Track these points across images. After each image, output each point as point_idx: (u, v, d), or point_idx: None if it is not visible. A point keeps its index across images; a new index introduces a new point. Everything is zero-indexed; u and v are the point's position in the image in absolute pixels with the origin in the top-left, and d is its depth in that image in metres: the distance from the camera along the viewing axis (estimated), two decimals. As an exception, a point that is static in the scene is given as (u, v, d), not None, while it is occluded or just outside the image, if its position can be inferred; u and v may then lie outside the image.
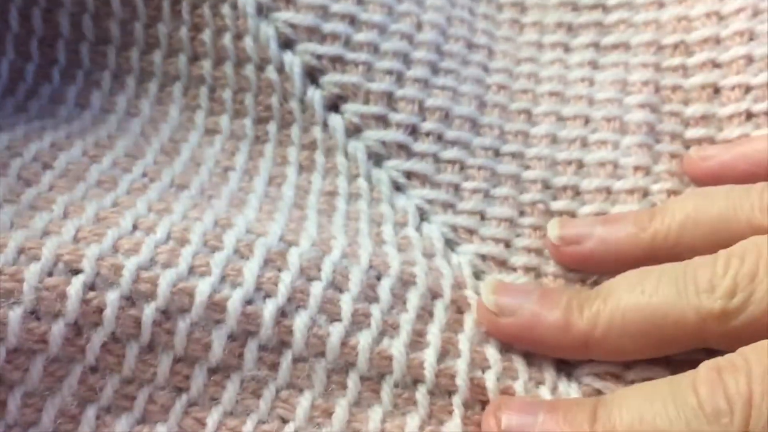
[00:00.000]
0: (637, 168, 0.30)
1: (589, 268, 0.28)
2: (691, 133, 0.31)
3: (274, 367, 0.24)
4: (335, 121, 0.30)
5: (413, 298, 0.26)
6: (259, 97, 0.31)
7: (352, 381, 0.24)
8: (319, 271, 0.25)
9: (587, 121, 0.32)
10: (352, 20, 0.31)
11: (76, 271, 0.23)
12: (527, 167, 0.31)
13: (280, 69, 0.30)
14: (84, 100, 0.31)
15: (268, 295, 0.24)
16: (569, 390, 0.26)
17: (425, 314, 0.26)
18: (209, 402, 0.23)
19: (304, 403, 0.24)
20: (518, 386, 0.25)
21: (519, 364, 0.26)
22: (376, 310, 0.25)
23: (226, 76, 0.31)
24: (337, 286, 0.25)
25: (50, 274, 0.23)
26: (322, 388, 0.24)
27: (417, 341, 0.25)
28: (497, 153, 0.31)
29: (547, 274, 0.29)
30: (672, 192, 0.30)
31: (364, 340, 0.24)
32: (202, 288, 0.23)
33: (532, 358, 0.26)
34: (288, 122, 0.31)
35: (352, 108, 0.30)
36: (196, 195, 0.28)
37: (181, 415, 0.23)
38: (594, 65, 0.34)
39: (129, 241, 0.24)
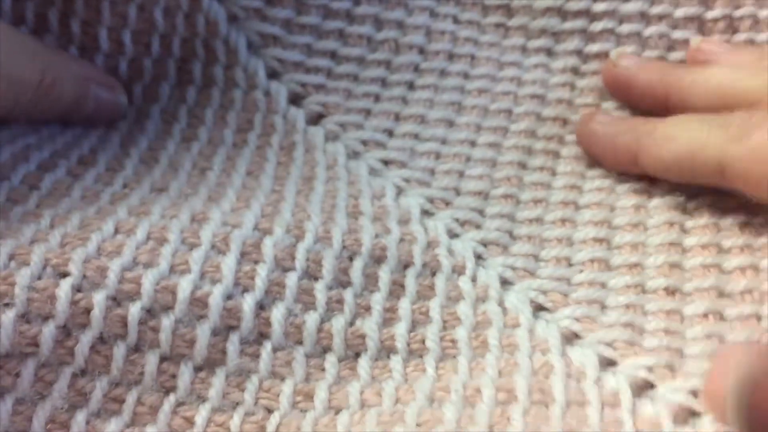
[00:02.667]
0: None
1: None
2: None
3: (256, 358, 0.24)
4: (315, 132, 0.33)
5: (384, 275, 0.27)
6: (242, 114, 0.33)
7: (330, 363, 0.25)
8: (293, 261, 0.26)
9: (565, 122, 0.34)
10: (334, 54, 0.35)
11: (64, 274, 0.23)
12: (503, 154, 0.33)
13: (267, 93, 0.34)
14: None
15: (246, 290, 0.25)
16: (547, 333, 0.26)
17: (396, 288, 0.27)
18: (196, 400, 0.24)
19: (286, 390, 0.24)
20: (492, 333, 0.26)
21: (493, 314, 0.26)
22: (349, 295, 0.26)
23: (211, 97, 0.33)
24: (311, 274, 0.26)
25: (39, 278, 0.23)
26: (303, 374, 0.24)
27: (389, 318, 0.26)
28: (473, 144, 0.33)
29: (521, 237, 0.29)
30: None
31: (338, 324, 0.25)
32: (184, 285, 0.24)
33: (505, 305, 0.27)
34: (269, 133, 0.33)
35: (332, 119, 0.33)
36: (174, 195, 0.29)
37: (169, 415, 0.23)
38: (576, 71, 0.36)
39: (112, 244, 0.25)
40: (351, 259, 0.27)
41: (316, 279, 0.26)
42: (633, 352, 0.25)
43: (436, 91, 0.35)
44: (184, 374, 0.24)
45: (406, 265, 0.28)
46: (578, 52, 0.36)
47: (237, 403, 0.24)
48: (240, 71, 0.34)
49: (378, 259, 0.27)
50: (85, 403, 0.23)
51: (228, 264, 0.25)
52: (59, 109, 0.31)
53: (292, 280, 0.25)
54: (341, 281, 0.26)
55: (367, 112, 0.34)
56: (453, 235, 0.29)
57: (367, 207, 0.29)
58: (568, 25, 0.37)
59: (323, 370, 0.25)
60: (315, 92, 0.34)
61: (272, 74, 0.34)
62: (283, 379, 0.24)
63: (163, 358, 0.24)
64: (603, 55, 0.36)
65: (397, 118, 0.34)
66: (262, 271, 0.25)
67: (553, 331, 0.26)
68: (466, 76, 0.36)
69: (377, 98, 0.34)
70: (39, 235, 0.25)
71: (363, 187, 0.31)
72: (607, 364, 0.25)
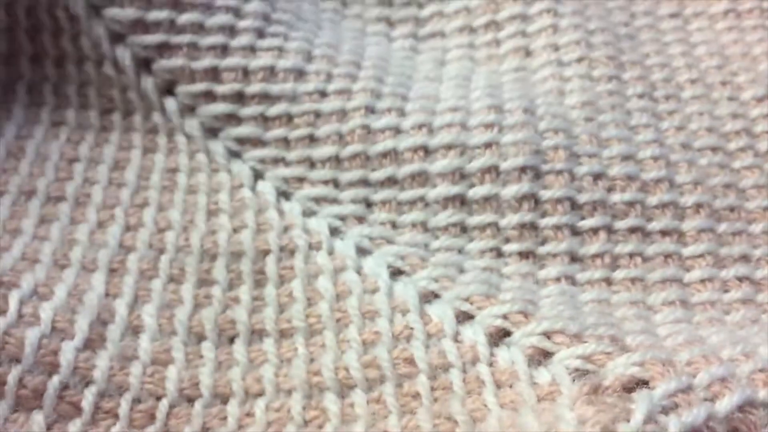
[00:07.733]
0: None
1: None
2: None
3: (135, 350, 0.27)
4: (169, 104, 0.34)
5: (245, 268, 0.30)
6: (102, 90, 0.34)
7: (207, 349, 0.27)
8: (157, 270, 0.29)
9: (404, 98, 0.34)
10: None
11: None
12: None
13: (116, 64, 0.34)
14: None
15: (116, 296, 0.28)
16: (405, 294, 0.28)
17: (261, 277, 0.30)
18: (80, 382, 0.26)
19: (170, 376, 0.26)
20: (351, 302, 0.28)
21: (352, 282, 0.29)
22: (217, 291, 0.29)
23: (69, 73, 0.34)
24: (176, 280, 0.29)
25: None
26: (183, 360, 0.27)
27: (258, 305, 0.29)
28: (318, 114, 0.33)
29: (376, 203, 0.31)
30: None
31: (207, 313, 0.28)
32: (59, 294, 0.27)
33: (364, 271, 0.29)
34: (131, 111, 0.34)
35: (183, 89, 0.33)
36: (43, 200, 0.31)
37: (55, 399, 0.25)
38: (414, 50, 0.38)
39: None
40: (212, 260, 0.30)
41: (181, 283, 0.29)
42: (489, 303, 0.26)
43: None
44: (67, 353, 0.26)
45: (265, 253, 0.30)
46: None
47: (123, 388, 0.26)
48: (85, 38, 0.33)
49: (237, 254, 0.30)
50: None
51: (97, 278, 0.28)
52: None
53: (157, 285, 0.29)
54: (206, 281, 0.29)
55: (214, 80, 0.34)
56: (310, 213, 0.31)
57: (226, 202, 0.32)
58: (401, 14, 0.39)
59: (202, 356, 0.27)
60: (159, 57, 0.34)
61: (116, 38, 0.34)
62: (165, 365, 0.27)
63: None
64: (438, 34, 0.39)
65: None
66: (130, 281, 0.29)
67: (411, 291, 0.27)
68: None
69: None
70: None
71: (222, 178, 0.32)
72: (465, 318, 0.26)
